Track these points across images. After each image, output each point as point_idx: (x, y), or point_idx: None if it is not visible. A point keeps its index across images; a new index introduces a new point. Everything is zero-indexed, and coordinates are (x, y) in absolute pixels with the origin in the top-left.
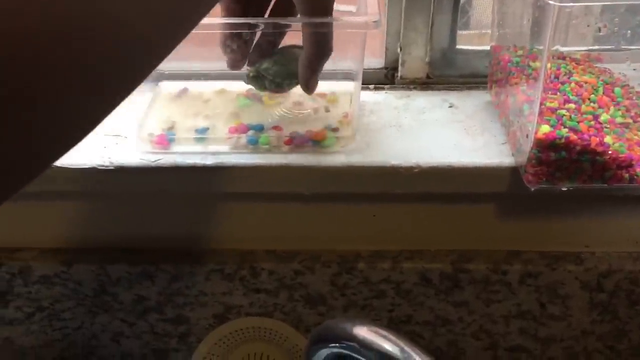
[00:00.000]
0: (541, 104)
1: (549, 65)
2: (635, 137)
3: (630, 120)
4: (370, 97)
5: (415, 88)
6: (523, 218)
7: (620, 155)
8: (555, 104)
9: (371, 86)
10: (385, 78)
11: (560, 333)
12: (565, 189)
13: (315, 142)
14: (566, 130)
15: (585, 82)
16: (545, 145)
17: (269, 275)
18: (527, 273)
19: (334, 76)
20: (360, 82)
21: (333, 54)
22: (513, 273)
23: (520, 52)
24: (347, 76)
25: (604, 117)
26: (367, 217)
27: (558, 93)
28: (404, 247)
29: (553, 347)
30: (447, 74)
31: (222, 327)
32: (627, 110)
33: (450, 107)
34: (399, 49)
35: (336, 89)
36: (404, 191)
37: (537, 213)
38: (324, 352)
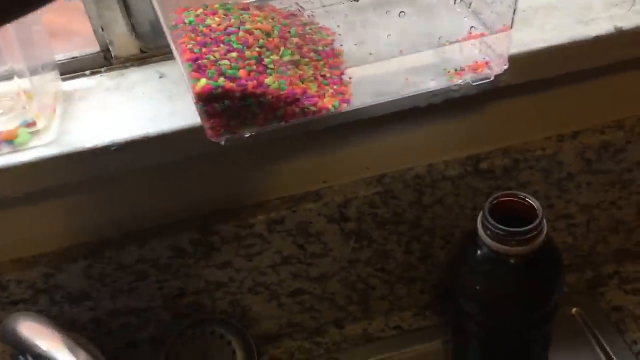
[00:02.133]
0: (195, 59)
1: (173, 20)
2: (300, 72)
3: (298, 57)
4: (84, 83)
5: (132, 65)
6: (254, 169)
7: (282, 93)
8: (216, 56)
9: (87, 72)
10: (105, 61)
11: (330, 268)
12: (248, 135)
13: (9, 142)
14: (223, 79)
15: (257, 29)
16: (205, 98)
17: (19, 285)
18: (272, 221)
19: (34, 72)
20: (49, 73)
21: None
22: (259, 224)
23: (199, 12)
24: (44, 69)
25: (268, 59)
26: (96, 204)
27: (221, 44)
28: (146, 224)
29: (330, 283)
30: (159, 45)
31: None
32: (299, 48)
33: (161, 77)
34: (101, 30)
35: (33, 84)
36: (114, 171)
37: (267, 161)
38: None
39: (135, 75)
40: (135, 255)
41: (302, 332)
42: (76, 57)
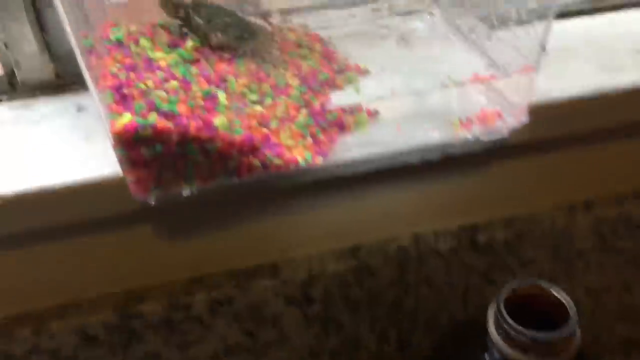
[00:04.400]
0: (118, 87)
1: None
2: (263, 111)
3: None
4: None
5: (43, 93)
6: (193, 233)
7: (236, 138)
8: (149, 84)
9: None
10: (8, 86)
11: (288, 359)
12: (187, 193)
13: None
14: (155, 115)
15: None
16: (127, 141)
17: None
18: (215, 301)
19: None
20: None
21: None
22: (198, 304)
23: (133, 28)
24: None
25: (221, 92)
26: None
27: (158, 71)
28: (44, 303)
29: None
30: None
31: None
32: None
33: (79, 111)
34: (4, 47)
35: None
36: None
37: (210, 223)
38: None
39: (45, 107)
40: (29, 343)
41: None
42: None
